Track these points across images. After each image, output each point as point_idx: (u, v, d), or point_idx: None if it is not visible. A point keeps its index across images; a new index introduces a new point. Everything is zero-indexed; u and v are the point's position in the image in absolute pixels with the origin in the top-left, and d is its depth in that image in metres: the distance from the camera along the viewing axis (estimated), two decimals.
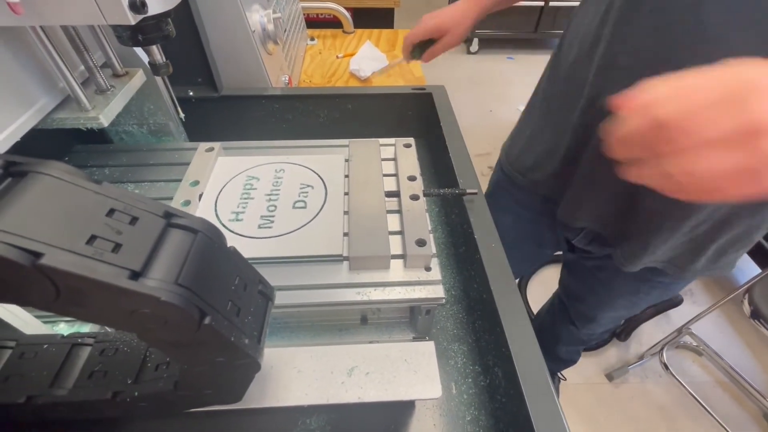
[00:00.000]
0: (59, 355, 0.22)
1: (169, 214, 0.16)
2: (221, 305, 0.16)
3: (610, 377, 1.31)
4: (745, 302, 0.93)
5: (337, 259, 0.36)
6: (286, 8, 0.88)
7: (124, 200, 0.15)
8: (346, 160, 0.47)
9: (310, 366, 0.27)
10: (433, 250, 0.37)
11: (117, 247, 0.14)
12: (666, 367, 1.25)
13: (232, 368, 0.18)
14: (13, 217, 0.12)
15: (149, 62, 0.39)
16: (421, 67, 1.00)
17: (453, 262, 0.50)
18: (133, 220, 0.15)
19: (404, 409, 0.36)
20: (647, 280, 0.60)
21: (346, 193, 0.43)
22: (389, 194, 0.42)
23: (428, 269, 0.36)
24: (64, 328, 0.33)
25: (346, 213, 0.41)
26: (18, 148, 0.36)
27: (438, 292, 0.35)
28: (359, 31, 1.17)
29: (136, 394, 0.20)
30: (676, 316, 1.44)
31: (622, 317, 0.76)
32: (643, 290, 0.63)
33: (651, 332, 1.43)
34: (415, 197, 0.41)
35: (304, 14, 1.08)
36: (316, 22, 1.31)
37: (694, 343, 1.32)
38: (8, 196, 0.13)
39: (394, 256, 0.37)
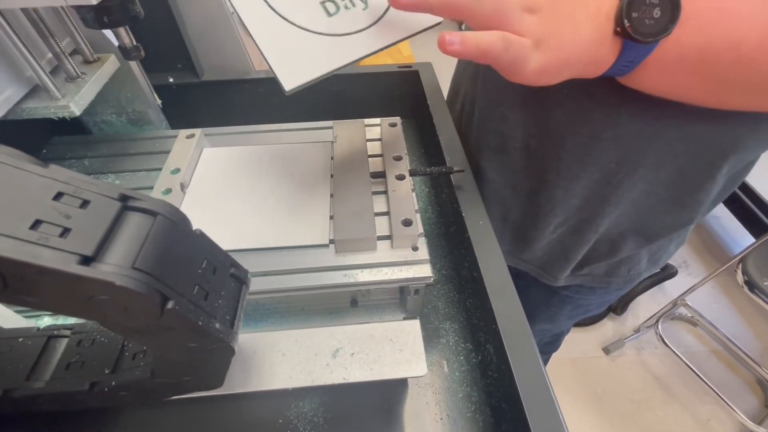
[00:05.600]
0: (35, 347, 0.22)
1: (125, 197, 0.15)
2: (186, 289, 0.16)
3: (606, 351, 1.33)
4: (739, 272, 0.94)
5: (323, 244, 0.36)
6: None
7: (73, 183, 0.14)
8: (332, 142, 0.46)
9: (294, 349, 0.27)
10: (420, 229, 0.37)
11: (65, 231, 0.13)
12: (661, 338, 1.27)
13: (206, 353, 0.18)
14: None
15: (119, 46, 0.38)
16: (409, 46, 0.97)
17: (444, 242, 0.49)
18: (84, 204, 0.14)
19: (397, 388, 0.36)
20: (554, 292, 0.58)
21: (332, 176, 0.42)
22: (375, 175, 0.42)
23: (415, 249, 0.36)
24: (48, 321, 0.32)
25: (331, 196, 0.40)
26: None
27: (425, 271, 0.35)
28: None
29: (114, 383, 0.20)
30: (672, 288, 1.46)
31: (549, 331, 0.75)
32: (554, 303, 0.62)
33: (647, 305, 1.44)
34: (401, 177, 0.40)
35: None
36: None
37: (689, 314, 1.33)
38: None
39: (381, 237, 0.36)
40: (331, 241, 0.36)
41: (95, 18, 0.33)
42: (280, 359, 0.26)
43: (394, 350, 0.27)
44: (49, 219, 0.13)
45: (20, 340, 0.22)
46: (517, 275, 0.67)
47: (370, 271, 0.35)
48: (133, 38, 0.38)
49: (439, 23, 0.33)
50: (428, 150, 0.60)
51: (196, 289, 0.16)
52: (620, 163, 0.40)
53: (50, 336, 0.22)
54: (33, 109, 0.38)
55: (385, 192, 0.40)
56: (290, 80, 0.29)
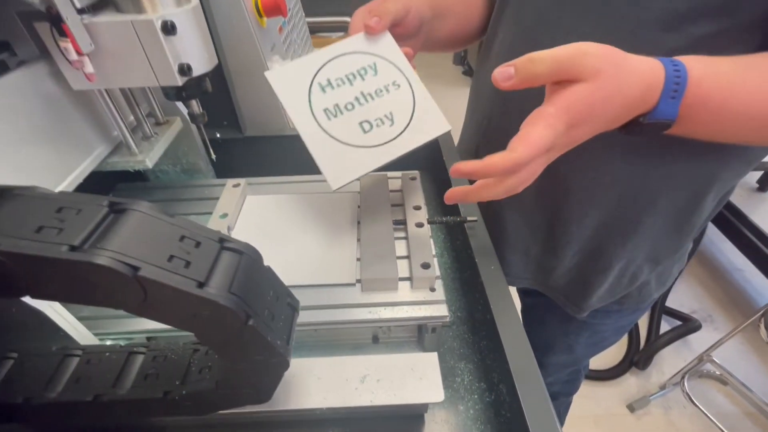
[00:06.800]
0: (119, 361, 0.26)
1: (222, 240, 0.21)
2: (260, 311, 0.20)
3: (631, 408, 1.27)
4: (762, 327, 0.92)
5: (350, 283, 0.40)
6: (301, 54, 0.98)
7: (190, 229, 0.20)
8: (358, 193, 0.52)
9: (327, 374, 0.30)
10: (437, 272, 0.41)
11: (188, 264, 0.18)
12: (689, 397, 1.21)
13: (266, 366, 0.22)
14: (119, 241, 0.17)
15: (188, 113, 0.46)
16: None
17: (459, 285, 0.53)
18: (198, 244, 0.19)
19: (414, 422, 0.38)
20: (571, 319, 0.62)
21: (359, 223, 0.47)
22: (397, 222, 0.47)
23: (433, 290, 0.40)
24: (109, 342, 0.37)
25: (358, 240, 0.45)
26: (76, 187, 0.42)
27: (442, 310, 0.39)
28: None
29: (184, 392, 0.24)
30: (697, 342, 1.41)
31: (567, 366, 0.76)
32: (572, 331, 0.65)
33: (672, 360, 1.39)
34: (420, 225, 0.46)
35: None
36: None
37: (717, 372, 1.27)
38: (114, 227, 0.18)
39: (402, 279, 0.41)
40: (358, 281, 0.41)
41: (176, 93, 0.41)
42: (315, 382, 0.30)
43: (415, 378, 0.31)
44: (178, 255, 0.18)
45: (107, 354, 0.27)
46: (535, 307, 0.69)
47: (392, 308, 0.39)
48: (200, 106, 0.46)
49: (449, 130, 0.43)
50: (443, 200, 0.65)
51: (266, 312, 0.21)
52: (621, 200, 0.47)
53: (130, 352, 0.27)
54: (116, 163, 0.45)
55: (406, 238, 0.45)
56: (336, 181, 0.38)
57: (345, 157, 0.39)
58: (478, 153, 0.61)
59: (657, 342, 1.39)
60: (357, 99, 0.41)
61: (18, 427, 0.29)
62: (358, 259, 0.43)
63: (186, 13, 0.36)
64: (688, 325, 1.41)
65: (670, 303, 1.51)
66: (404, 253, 0.44)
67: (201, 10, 0.39)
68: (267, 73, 0.40)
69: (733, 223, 1.53)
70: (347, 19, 1.42)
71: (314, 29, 1.33)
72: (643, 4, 0.37)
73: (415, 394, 0.30)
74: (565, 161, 0.46)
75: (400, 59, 0.43)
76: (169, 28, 0.35)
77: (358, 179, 0.39)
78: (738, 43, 0.36)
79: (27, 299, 0.28)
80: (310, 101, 0.40)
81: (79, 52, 0.33)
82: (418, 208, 0.48)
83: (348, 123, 0.40)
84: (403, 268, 0.42)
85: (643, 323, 1.47)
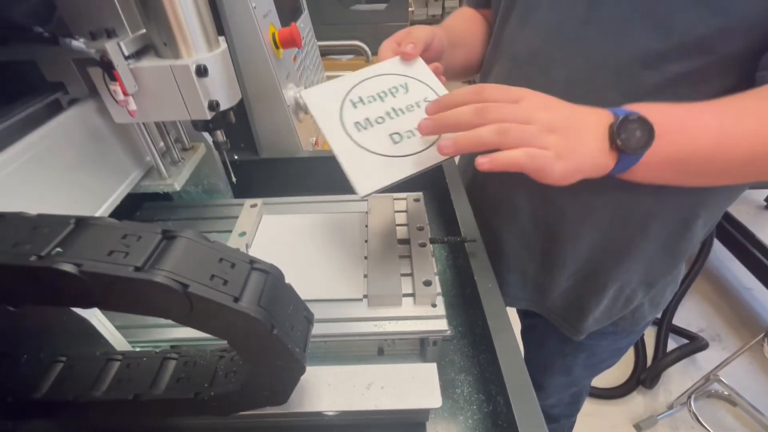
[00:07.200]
0: (155, 365, 0.30)
1: (252, 261, 0.24)
2: (283, 322, 0.24)
3: (638, 428, 1.26)
4: (765, 345, 0.93)
5: (358, 298, 0.44)
6: (314, 80, 1.04)
7: (226, 252, 0.24)
8: (366, 213, 0.56)
9: (337, 381, 0.34)
10: (438, 289, 0.44)
11: (225, 282, 0.22)
12: (696, 417, 1.20)
13: (285, 370, 0.25)
14: (171, 262, 0.21)
15: (213, 141, 0.51)
16: None
17: (460, 302, 0.56)
18: (233, 265, 0.23)
19: (416, 430, 0.41)
20: (568, 340, 0.64)
21: (366, 241, 0.51)
22: (401, 242, 0.51)
23: (434, 306, 0.43)
24: (137, 348, 0.41)
25: (365, 258, 0.49)
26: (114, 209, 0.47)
27: (443, 325, 0.42)
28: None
29: (213, 393, 0.28)
30: (705, 361, 1.40)
31: (567, 387, 0.77)
32: (569, 352, 0.67)
33: (679, 379, 1.38)
34: (422, 244, 0.49)
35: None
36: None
37: (725, 392, 1.26)
38: (167, 251, 0.22)
39: (405, 295, 0.44)
40: (365, 296, 0.44)
41: (204, 125, 0.46)
42: (326, 388, 0.33)
43: (416, 386, 0.34)
44: (218, 274, 0.22)
45: (144, 359, 0.31)
46: (533, 328, 0.71)
47: (396, 322, 0.42)
48: (224, 135, 0.51)
49: None
50: (446, 218, 0.69)
51: (287, 323, 0.24)
52: (613, 223, 0.50)
53: (164, 357, 0.31)
54: (147, 186, 0.50)
55: (410, 256, 0.49)
56: (364, 189, 0.38)
57: (374, 166, 0.39)
58: (475, 175, 0.65)
59: (664, 360, 1.38)
60: (387, 113, 0.42)
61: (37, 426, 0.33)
62: (365, 276, 0.46)
63: (216, 57, 0.41)
64: (695, 344, 1.40)
65: (677, 321, 1.50)
66: (408, 270, 0.47)
67: (228, 53, 0.44)
68: (303, 92, 0.43)
69: (740, 242, 1.54)
70: (357, 43, 1.49)
71: (325, 52, 1.40)
72: (624, 43, 0.41)
73: (416, 400, 0.33)
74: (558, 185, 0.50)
75: (432, 79, 0.44)
76: (202, 71, 0.40)
77: (386, 188, 0.39)
78: (715, 79, 0.40)
79: (76, 309, 0.32)
80: (341, 116, 0.41)
81: (125, 93, 0.38)
82: (421, 228, 0.52)
83: (378, 134, 0.41)
84: (406, 284, 0.45)
85: (650, 341, 1.47)
